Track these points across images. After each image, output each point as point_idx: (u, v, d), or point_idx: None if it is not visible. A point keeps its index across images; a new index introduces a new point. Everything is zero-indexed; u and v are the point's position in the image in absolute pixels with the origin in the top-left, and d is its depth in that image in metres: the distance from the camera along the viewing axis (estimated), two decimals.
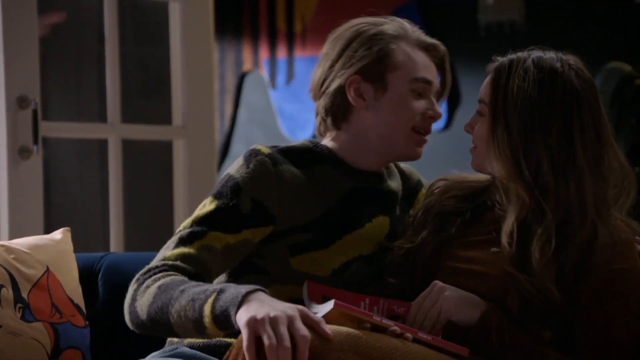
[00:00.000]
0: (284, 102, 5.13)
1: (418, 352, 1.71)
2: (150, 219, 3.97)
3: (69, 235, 2.26)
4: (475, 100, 1.99)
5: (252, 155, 1.92)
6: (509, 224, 1.85)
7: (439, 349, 1.75)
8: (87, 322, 2.18)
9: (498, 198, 1.92)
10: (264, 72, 5.17)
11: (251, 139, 5.17)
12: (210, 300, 1.68)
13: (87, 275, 2.28)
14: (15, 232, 2.95)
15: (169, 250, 1.86)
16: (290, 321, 1.58)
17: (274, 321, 1.58)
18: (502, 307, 1.83)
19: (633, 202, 1.90)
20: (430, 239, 1.95)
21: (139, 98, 4.04)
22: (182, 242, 1.86)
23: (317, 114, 2.00)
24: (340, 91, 1.94)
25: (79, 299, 2.19)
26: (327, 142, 2.00)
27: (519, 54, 1.91)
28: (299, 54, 5.07)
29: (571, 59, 1.90)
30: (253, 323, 1.59)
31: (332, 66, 1.96)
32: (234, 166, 1.93)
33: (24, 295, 2.10)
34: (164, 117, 3.53)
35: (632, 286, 1.82)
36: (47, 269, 2.16)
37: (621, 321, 1.81)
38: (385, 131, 1.95)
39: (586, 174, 1.84)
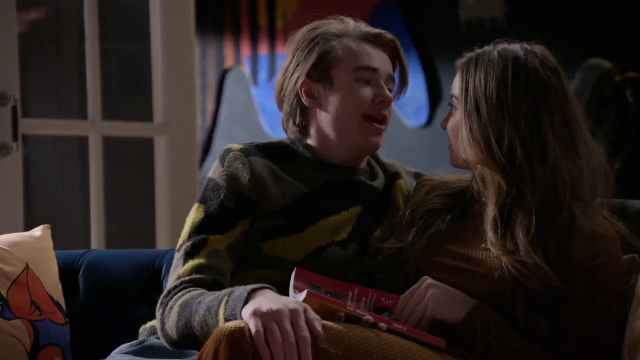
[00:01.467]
0: (266, 98, 5.13)
1: (392, 341, 1.72)
2: (131, 216, 3.96)
3: (48, 232, 2.26)
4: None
5: (225, 153, 2.00)
6: (490, 211, 1.88)
7: (415, 340, 1.76)
8: (67, 320, 2.18)
9: (476, 187, 1.94)
10: (246, 68, 5.16)
11: (233, 135, 5.16)
12: (222, 304, 1.74)
13: (67, 272, 2.28)
14: None
15: (180, 268, 1.93)
16: (293, 316, 1.63)
17: (277, 315, 1.63)
18: (491, 305, 1.84)
19: (611, 192, 1.91)
20: (421, 236, 1.96)
21: (119, 95, 4.03)
22: (188, 255, 1.93)
23: (282, 121, 2.10)
24: (295, 95, 2.03)
25: (59, 296, 2.19)
26: (305, 140, 2.08)
27: (486, 47, 1.94)
28: (280, 50, 5.07)
29: (537, 48, 1.93)
30: (259, 315, 1.64)
31: (285, 73, 2.05)
32: (212, 169, 2.01)
33: (3, 292, 2.09)
34: (145, 114, 3.53)
35: (614, 283, 1.84)
36: (27, 266, 2.16)
37: (605, 320, 1.83)
38: (338, 124, 2.01)
39: (560, 156, 1.87)
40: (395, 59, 2.07)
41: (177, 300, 1.86)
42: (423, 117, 4.61)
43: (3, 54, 3.02)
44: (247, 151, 2.00)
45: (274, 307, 1.64)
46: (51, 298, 2.17)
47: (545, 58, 1.92)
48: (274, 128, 5.07)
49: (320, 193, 2.01)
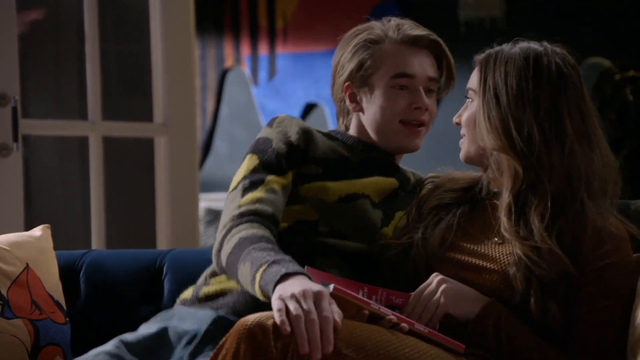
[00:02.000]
0: (266, 98, 5.14)
1: (413, 345, 1.72)
2: (131, 217, 3.96)
3: (48, 232, 2.26)
4: (457, 95, 2.01)
5: (273, 119, 2.11)
6: (505, 197, 1.89)
7: (435, 342, 1.75)
8: (67, 319, 2.18)
9: (491, 175, 1.93)
10: (246, 68, 5.16)
11: (233, 135, 5.17)
12: (261, 270, 1.78)
13: (69, 272, 2.28)
14: None
15: (238, 199, 1.99)
16: (316, 298, 1.65)
17: (300, 295, 1.65)
18: (502, 300, 1.84)
19: (619, 193, 1.93)
20: (431, 231, 1.97)
21: (119, 95, 4.03)
22: (248, 190, 2.00)
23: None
24: (342, 98, 2.14)
25: (59, 296, 2.19)
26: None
27: (504, 45, 1.96)
28: (280, 50, 5.07)
29: (556, 46, 1.96)
30: (282, 298, 1.66)
31: (334, 75, 2.15)
32: (260, 133, 2.10)
33: (4, 292, 2.10)
34: (145, 114, 3.53)
35: (622, 283, 1.85)
36: (27, 266, 2.16)
37: (610, 320, 1.83)
38: (378, 128, 2.11)
39: (576, 146, 1.89)
40: (441, 56, 2.11)
41: (239, 231, 1.92)
42: None
43: (3, 55, 3.02)
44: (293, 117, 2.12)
45: (297, 289, 1.66)
46: (51, 298, 2.17)
47: (565, 55, 1.94)
48: None
49: (360, 163, 2.10)
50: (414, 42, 2.09)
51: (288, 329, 1.61)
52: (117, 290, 2.28)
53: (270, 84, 5.10)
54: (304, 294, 1.65)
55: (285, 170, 2.03)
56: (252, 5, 5.12)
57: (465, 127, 1.96)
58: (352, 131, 2.15)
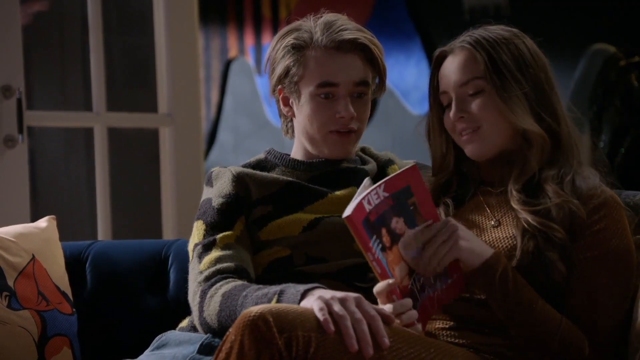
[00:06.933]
0: None
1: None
2: (137, 207, 3.97)
3: (54, 223, 2.27)
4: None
5: (208, 175, 2.09)
6: (527, 171, 1.90)
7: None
8: (74, 310, 2.18)
9: (520, 151, 1.94)
10: (250, 58, 5.16)
11: (237, 126, 5.17)
12: (274, 302, 1.75)
13: (75, 263, 2.29)
14: (1, 221, 2.94)
15: (197, 266, 1.96)
16: (358, 301, 1.65)
17: (342, 300, 1.65)
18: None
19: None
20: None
21: (124, 86, 4.03)
22: (203, 254, 1.97)
23: None
24: (277, 100, 2.11)
25: (66, 287, 2.20)
26: (291, 136, 2.14)
27: (473, 32, 1.96)
28: None
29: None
30: (324, 299, 1.65)
31: (270, 75, 2.10)
32: (203, 194, 2.09)
33: (10, 283, 2.10)
34: (149, 105, 3.53)
35: (613, 237, 1.85)
36: (33, 257, 2.16)
37: (600, 273, 1.83)
38: (309, 136, 2.06)
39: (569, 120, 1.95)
40: (372, 58, 2.03)
41: (217, 289, 1.88)
42: (427, 105, 4.60)
43: (7, 47, 3.03)
44: (226, 166, 2.09)
45: (338, 295, 1.66)
46: (58, 288, 2.18)
47: None
48: (279, 118, 5.07)
49: (310, 181, 2.05)
50: (338, 47, 2.00)
51: (332, 327, 1.61)
52: (123, 280, 2.29)
53: None
54: (345, 298, 1.65)
55: (233, 223, 1.99)
56: None
57: (484, 120, 1.92)
58: (295, 143, 2.10)
